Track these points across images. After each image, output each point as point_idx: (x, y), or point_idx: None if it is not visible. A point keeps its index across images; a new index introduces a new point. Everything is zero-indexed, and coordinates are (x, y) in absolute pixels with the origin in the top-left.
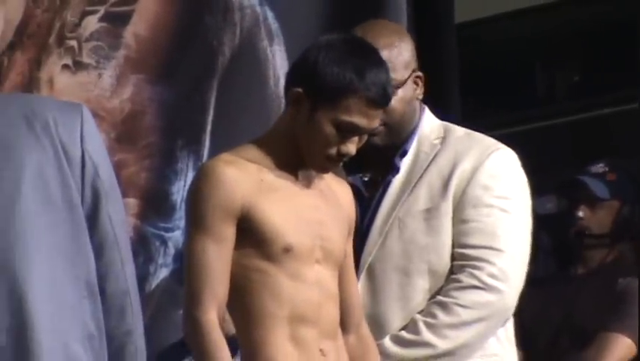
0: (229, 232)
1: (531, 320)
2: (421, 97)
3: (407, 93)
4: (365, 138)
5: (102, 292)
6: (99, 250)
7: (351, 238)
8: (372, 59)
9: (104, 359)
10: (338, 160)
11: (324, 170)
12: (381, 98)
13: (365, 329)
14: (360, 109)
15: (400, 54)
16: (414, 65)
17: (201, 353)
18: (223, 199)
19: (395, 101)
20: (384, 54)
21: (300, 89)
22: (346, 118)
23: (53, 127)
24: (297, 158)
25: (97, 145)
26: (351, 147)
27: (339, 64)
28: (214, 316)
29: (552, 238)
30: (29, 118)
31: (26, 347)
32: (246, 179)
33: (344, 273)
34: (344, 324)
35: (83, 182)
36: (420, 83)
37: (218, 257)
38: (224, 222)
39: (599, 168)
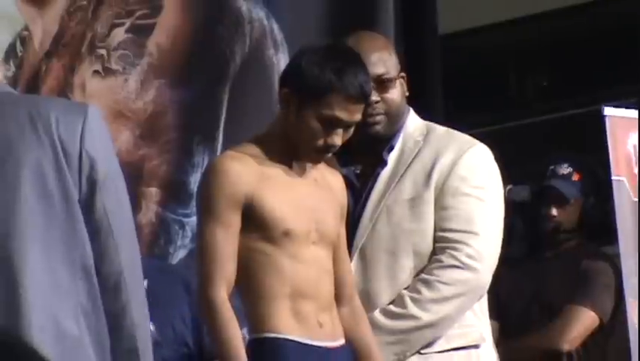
0: (235, 219)
1: (506, 295)
2: (407, 94)
3: (398, 89)
4: (351, 131)
5: (98, 273)
6: (94, 236)
7: (344, 221)
8: (350, 60)
9: (103, 335)
10: (326, 151)
11: (315, 160)
12: (358, 95)
13: (357, 302)
14: (341, 104)
15: (390, 56)
16: (399, 67)
17: (213, 327)
18: (229, 190)
19: (392, 94)
20: (379, 55)
21: (287, 90)
22: (329, 113)
23: (54, 126)
24: (292, 151)
25: (97, 142)
26: (337, 139)
27: (319, 66)
28: (224, 293)
29: (525, 223)
30: (34, 118)
31: (18, 324)
32: (249, 172)
33: (337, 252)
34: (338, 298)
35: (80, 176)
36: (404, 84)
37: (226, 241)
38: (231, 210)
39: (565, 169)
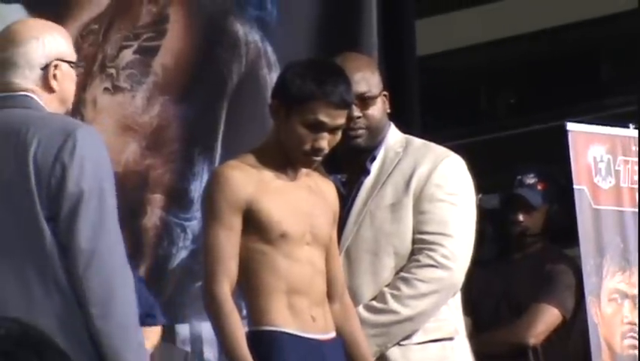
0: (236, 222)
1: (477, 293)
2: (388, 111)
3: (380, 106)
4: (338, 136)
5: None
6: (66, 253)
7: (336, 225)
8: (330, 71)
9: (84, 342)
10: (314, 154)
11: (306, 164)
12: (338, 101)
13: (347, 298)
14: (323, 110)
15: (372, 75)
16: (381, 86)
17: (217, 320)
18: (231, 196)
19: (373, 110)
20: (362, 74)
21: (276, 101)
22: (312, 118)
23: (34, 148)
24: (287, 160)
25: (73, 163)
26: (322, 142)
27: (301, 77)
28: (227, 290)
29: (494, 228)
30: (18, 140)
31: None
32: (248, 180)
33: (330, 253)
34: (330, 295)
35: (49, 196)
36: (386, 101)
37: (228, 242)
38: (233, 214)
39: (531, 178)
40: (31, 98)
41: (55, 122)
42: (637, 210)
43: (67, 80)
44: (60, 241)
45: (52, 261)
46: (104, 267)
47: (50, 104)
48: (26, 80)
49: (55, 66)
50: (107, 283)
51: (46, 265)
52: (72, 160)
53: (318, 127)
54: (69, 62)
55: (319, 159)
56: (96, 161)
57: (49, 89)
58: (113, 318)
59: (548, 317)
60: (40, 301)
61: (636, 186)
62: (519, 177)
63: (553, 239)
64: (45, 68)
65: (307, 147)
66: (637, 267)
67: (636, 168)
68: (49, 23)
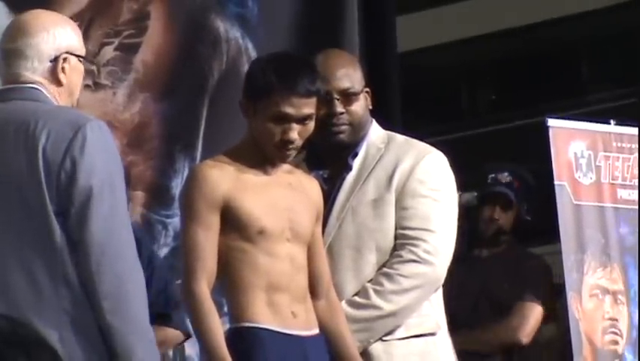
0: (214, 220)
1: (453, 290)
2: (370, 107)
3: (362, 102)
4: (310, 126)
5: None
6: (76, 247)
7: (320, 222)
8: (291, 62)
9: (93, 336)
10: (285, 147)
11: (281, 158)
12: (300, 90)
13: (333, 295)
14: (285, 101)
15: (355, 72)
16: (363, 82)
17: (195, 317)
18: (209, 194)
19: (356, 106)
20: (345, 71)
21: (243, 99)
22: (276, 110)
23: (43, 142)
24: (264, 157)
25: (84, 157)
26: (292, 134)
27: (262, 70)
28: (205, 287)
29: (469, 225)
30: (27, 133)
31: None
32: (226, 178)
33: (314, 250)
34: (315, 291)
35: (58, 190)
36: (368, 97)
37: (206, 240)
38: (210, 213)
39: (506, 177)
40: (40, 90)
41: (65, 115)
42: (627, 206)
43: (75, 74)
44: (70, 236)
45: (61, 256)
46: (116, 262)
47: (59, 97)
48: (35, 71)
49: (64, 59)
50: (119, 278)
51: (55, 259)
52: (82, 155)
53: (284, 119)
54: (78, 56)
55: (292, 151)
56: (106, 155)
57: (57, 81)
58: (123, 313)
59: (536, 316)
60: (49, 296)
61: (617, 182)
62: (492, 175)
63: (525, 238)
64: (54, 61)
65: (276, 140)
66: (618, 263)
67: (617, 163)
68: (61, 16)
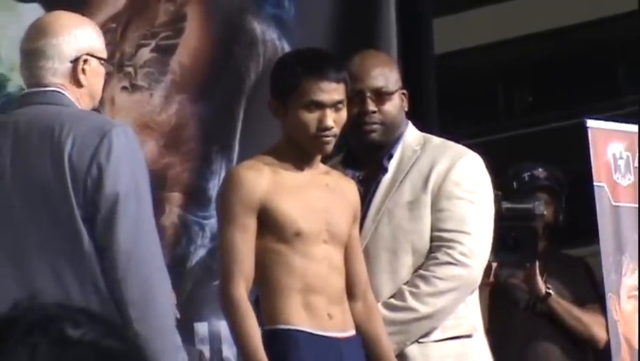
0: (251, 222)
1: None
2: (406, 109)
3: (396, 102)
4: (343, 114)
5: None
6: (102, 253)
7: (357, 223)
8: (313, 53)
9: None
10: (323, 135)
11: (320, 148)
12: (328, 75)
13: (370, 297)
14: (314, 88)
15: (391, 72)
16: (400, 83)
17: (233, 321)
18: (245, 197)
19: (389, 106)
20: (381, 70)
21: (272, 98)
22: (307, 99)
23: (69, 149)
24: (301, 158)
25: (110, 164)
26: (327, 120)
27: (287, 67)
28: (243, 291)
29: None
30: (53, 139)
31: None
32: (262, 180)
33: (352, 252)
34: (352, 293)
35: (85, 197)
36: (404, 99)
37: (243, 243)
38: (247, 215)
39: (542, 173)
40: (63, 94)
41: (90, 120)
42: (637, 205)
43: (95, 76)
44: (97, 243)
45: (90, 262)
46: (143, 269)
47: (81, 100)
48: (55, 72)
49: (85, 60)
50: (146, 286)
51: (84, 266)
52: (109, 161)
53: (317, 106)
54: (99, 58)
55: (331, 138)
56: (132, 162)
57: (78, 83)
58: (151, 320)
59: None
60: (78, 303)
61: None
62: (528, 173)
63: (562, 239)
64: (74, 62)
65: (313, 129)
66: None
67: None
68: (83, 17)
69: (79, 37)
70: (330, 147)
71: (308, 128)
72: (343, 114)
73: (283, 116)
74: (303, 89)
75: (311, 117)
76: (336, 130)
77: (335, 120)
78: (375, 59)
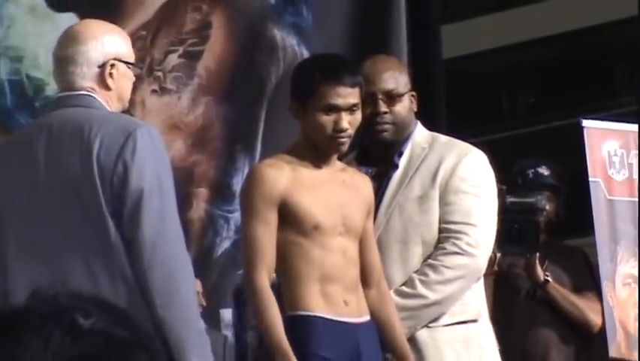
0: (272, 216)
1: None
2: (415, 110)
3: (406, 103)
4: (358, 116)
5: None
6: (129, 247)
7: (371, 216)
8: (330, 58)
9: (146, 323)
10: (339, 137)
11: (336, 149)
12: (345, 80)
13: (384, 284)
14: (332, 93)
15: (401, 75)
16: (409, 86)
17: (257, 308)
18: (267, 192)
19: (399, 107)
20: (391, 73)
21: (292, 101)
22: (324, 102)
23: (97, 148)
24: (319, 156)
25: (134, 163)
26: (343, 123)
27: (306, 71)
28: (265, 279)
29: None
30: (82, 139)
31: None
32: (283, 177)
33: (366, 243)
34: (367, 281)
35: (112, 192)
36: (414, 100)
37: (264, 235)
38: (268, 209)
39: (546, 170)
40: (93, 97)
41: (117, 121)
42: (637, 200)
43: (123, 79)
44: (124, 236)
45: (118, 254)
46: (167, 259)
47: (110, 102)
48: (84, 77)
49: (112, 65)
50: (170, 275)
51: (112, 258)
52: (133, 159)
53: (334, 109)
54: (126, 63)
55: (346, 139)
56: (156, 159)
57: (106, 86)
58: (174, 308)
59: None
60: (107, 293)
61: None
62: (532, 170)
63: (560, 231)
64: (102, 67)
65: (329, 130)
66: None
67: None
68: (110, 25)
69: (106, 43)
70: (345, 147)
71: (325, 129)
72: (358, 116)
73: (302, 118)
74: (321, 93)
75: (327, 119)
76: (351, 131)
77: (350, 122)
78: (386, 63)
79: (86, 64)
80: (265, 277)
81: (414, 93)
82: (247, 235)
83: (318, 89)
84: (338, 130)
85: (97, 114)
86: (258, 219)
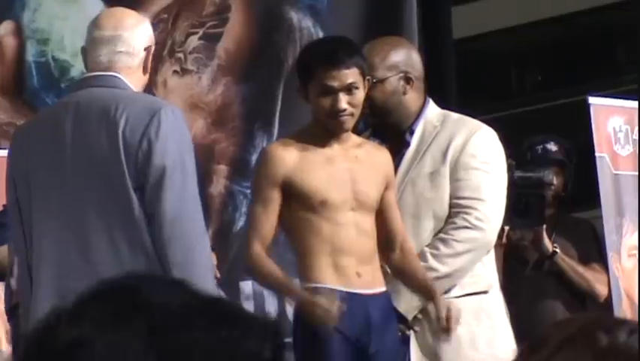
0: (273, 195)
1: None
2: (405, 92)
3: (387, 88)
4: (359, 94)
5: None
6: (150, 221)
7: (392, 188)
8: (328, 43)
9: None
10: (338, 115)
11: (338, 127)
12: (338, 63)
13: (409, 244)
14: (326, 75)
15: (383, 59)
16: (403, 67)
17: (257, 272)
18: (270, 172)
19: (376, 92)
20: (374, 60)
21: (299, 84)
22: (321, 84)
23: (122, 125)
24: (330, 135)
25: (159, 140)
26: (340, 104)
27: (305, 55)
28: (258, 247)
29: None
30: (108, 117)
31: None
32: (289, 157)
33: (388, 212)
34: (390, 247)
35: (137, 169)
36: (410, 81)
37: (263, 213)
38: (269, 189)
39: (554, 145)
40: (119, 78)
41: (142, 101)
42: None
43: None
44: (146, 209)
45: (139, 226)
46: (186, 233)
47: (138, 83)
48: (125, 60)
49: (149, 50)
50: (188, 248)
51: (134, 230)
52: (157, 137)
53: (330, 91)
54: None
55: (347, 117)
56: (179, 137)
57: (145, 69)
58: (192, 279)
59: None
60: (128, 262)
61: None
62: (541, 146)
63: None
64: (145, 51)
65: (328, 112)
66: None
67: None
68: (140, 14)
69: (146, 30)
70: (347, 125)
71: (324, 110)
72: (359, 94)
73: (306, 96)
74: (318, 75)
75: (326, 101)
76: (352, 110)
77: (349, 102)
78: (375, 46)
79: (131, 48)
80: (258, 246)
81: (409, 74)
82: (249, 213)
83: (315, 72)
84: (335, 111)
85: (123, 94)
86: (258, 198)
